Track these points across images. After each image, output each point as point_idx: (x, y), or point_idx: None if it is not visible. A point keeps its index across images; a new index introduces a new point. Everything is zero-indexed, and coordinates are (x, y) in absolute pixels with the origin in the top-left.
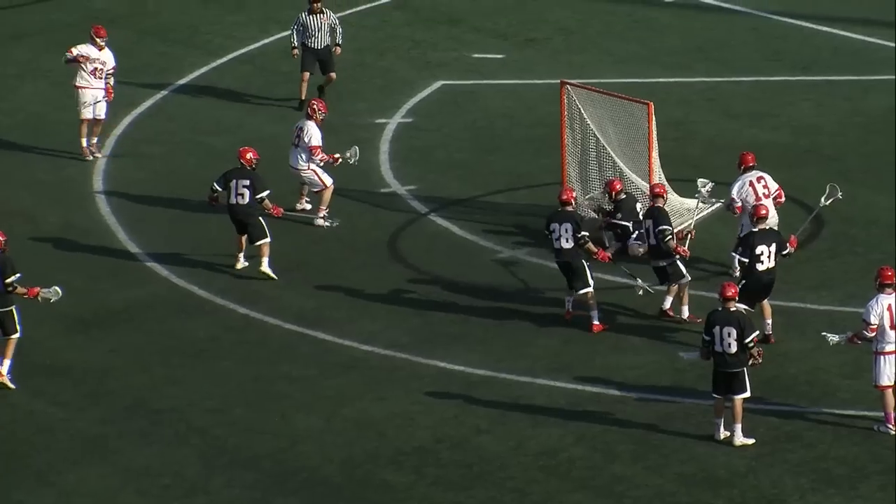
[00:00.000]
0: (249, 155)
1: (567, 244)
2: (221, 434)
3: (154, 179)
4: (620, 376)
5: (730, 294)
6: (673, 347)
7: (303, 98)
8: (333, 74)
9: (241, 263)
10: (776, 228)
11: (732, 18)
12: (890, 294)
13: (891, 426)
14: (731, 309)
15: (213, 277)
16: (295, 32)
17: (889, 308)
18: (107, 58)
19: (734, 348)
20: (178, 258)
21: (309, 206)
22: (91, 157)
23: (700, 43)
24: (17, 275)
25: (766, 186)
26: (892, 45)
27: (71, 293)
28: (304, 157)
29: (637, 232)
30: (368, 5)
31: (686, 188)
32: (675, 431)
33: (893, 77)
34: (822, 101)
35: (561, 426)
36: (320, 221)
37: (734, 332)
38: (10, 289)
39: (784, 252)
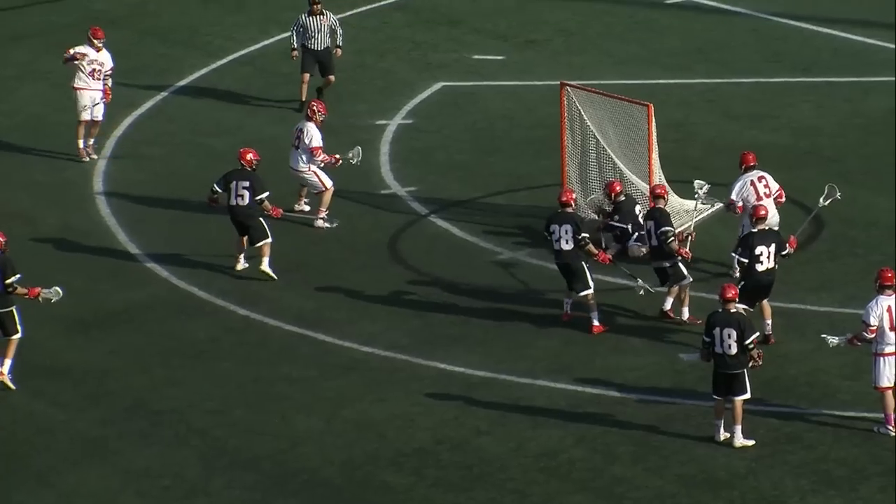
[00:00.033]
0: (250, 156)
1: (567, 246)
2: (221, 435)
3: (154, 181)
4: (620, 378)
5: (730, 295)
6: (673, 349)
7: (303, 99)
8: (332, 77)
9: (242, 265)
10: (777, 228)
11: (732, 20)
12: (890, 296)
13: (891, 428)
14: (731, 310)
15: (213, 278)
16: (295, 34)
17: (889, 309)
18: (104, 59)
19: (734, 350)
20: (178, 259)
21: (308, 208)
22: (87, 159)
23: (700, 44)
24: (18, 275)
25: (766, 186)
26: (892, 46)
27: (71, 294)
28: (304, 158)
29: (637, 233)
30: (369, 6)
31: (686, 189)
32: (676, 433)
33: (893, 79)
34: (822, 103)
35: (561, 427)
36: (320, 223)
37: (734, 334)
38: (10, 289)
39: (783, 253)
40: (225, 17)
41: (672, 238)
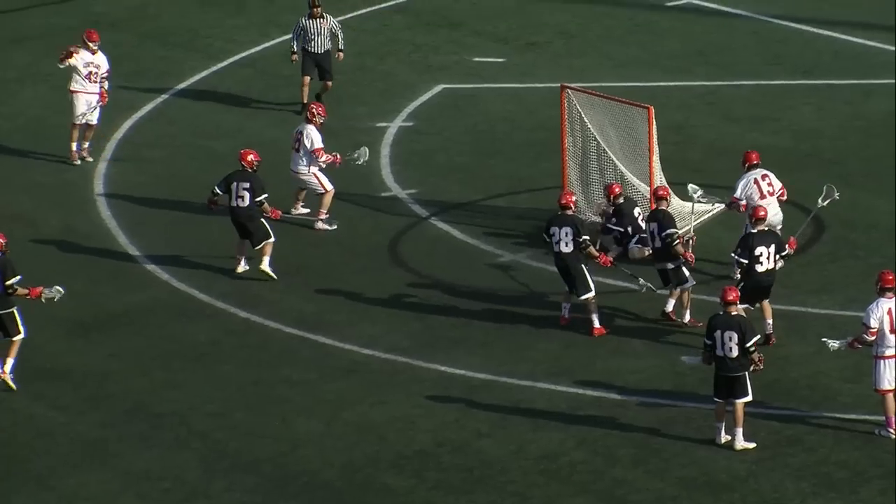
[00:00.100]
0: (250, 157)
1: (567, 248)
2: (222, 438)
3: (155, 183)
4: (621, 380)
5: (731, 298)
6: (674, 351)
7: (304, 102)
8: (330, 83)
9: (242, 267)
10: (781, 227)
11: (733, 22)
12: (890, 298)
13: (891, 430)
14: (733, 313)
15: (213, 281)
16: (295, 37)
17: (889, 312)
18: (100, 61)
19: (735, 352)
20: (178, 262)
21: (306, 211)
22: (79, 161)
23: (700, 47)
24: (18, 277)
25: (770, 184)
26: (893, 49)
27: (71, 297)
28: (305, 161)
29: (638, 236)
30: (369, 9)
31: (685, 192)
32: (676, 435)
33: (894, 81)
34: (822, 105)
35: (562, 430)
36: (320, 225)
37: (735, 337)
38: (11, 291)
39: (783, 253)
40: (225, 20)
41: (677, 240)
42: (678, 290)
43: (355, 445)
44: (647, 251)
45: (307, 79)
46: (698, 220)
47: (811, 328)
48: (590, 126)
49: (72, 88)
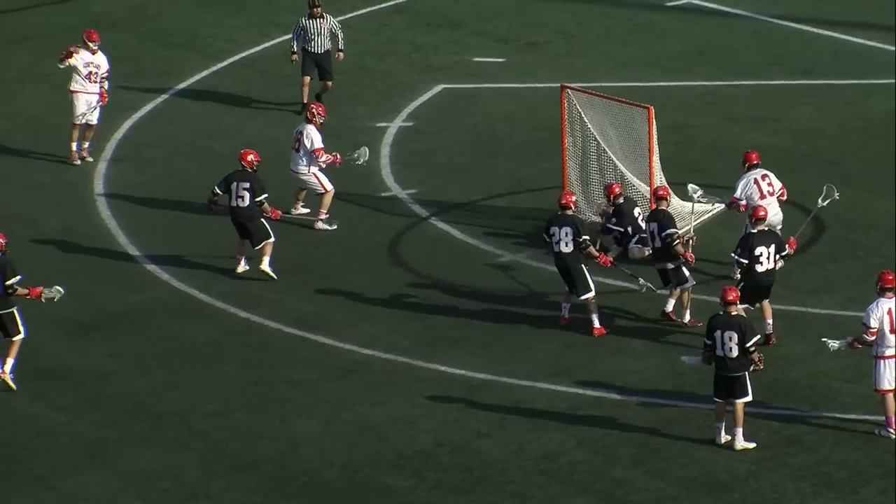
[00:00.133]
0: (250, 157)
1: (567, 248)
2: (222, 438)
3: (155, 183)
4: (621, 380)
5: (731, 298)
6: (674, 351)
7: (304, 102)
8: (330, 83)
9: (242, 267)
10: (781, 227)
11: (733, 22)
12: (890, 298)
13: (891, 430)
14: (733, 313)
15: (213, 281)
16: (295, 37)
17: (889, 312)
18: (100, 61)
19: (735, 352)
20: (178, 262)
21: (306, 211)
22: (79, 161)
23: (700, 47)
24: (18, 277)
25: (770, 184)
26: (893, 49)
27: (71, 297)
28: (305, 161)
29: (638, 236)
30: (369, 9)
31: (684, 192)
32: (676, 435)
33: (894, 81)
34: (822, 105)
35: (562, 430)
36: (320, 225)
37: (735, 337)
38: (11, 291)
39: (783, 254)
40: (225, 20)
41: (677, 240)
42: (678, 290)
43: (355, 445)
44: (647, 251)
45: (307, 79)
46: (698, 220)
47: (811, 328)
48: (590, 126)
49: (72, 88)
